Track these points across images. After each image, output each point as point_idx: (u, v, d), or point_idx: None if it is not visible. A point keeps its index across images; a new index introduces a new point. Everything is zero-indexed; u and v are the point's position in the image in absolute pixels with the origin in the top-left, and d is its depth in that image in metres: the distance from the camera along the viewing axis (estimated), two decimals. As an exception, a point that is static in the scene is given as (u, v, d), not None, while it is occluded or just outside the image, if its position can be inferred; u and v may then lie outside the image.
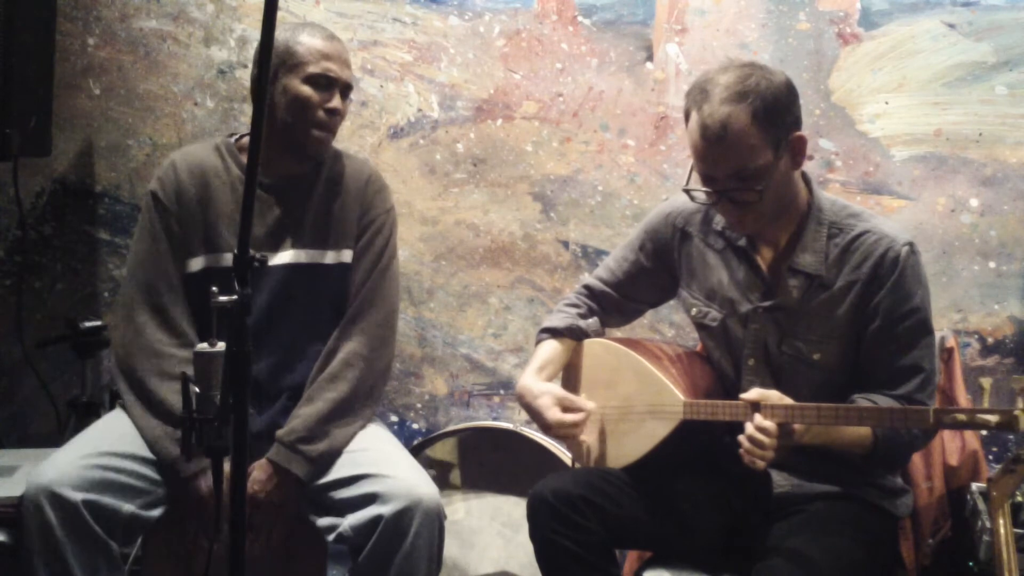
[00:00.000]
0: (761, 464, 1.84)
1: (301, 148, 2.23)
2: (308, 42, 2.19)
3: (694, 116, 1.92)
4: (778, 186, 1.94)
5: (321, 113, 2.20)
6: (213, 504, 2.04)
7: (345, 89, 2.24)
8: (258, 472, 2.13)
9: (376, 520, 2.03)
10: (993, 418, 1.66)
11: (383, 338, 2.28)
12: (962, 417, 1.70)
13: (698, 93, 1.92)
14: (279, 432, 2.17)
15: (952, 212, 2.76)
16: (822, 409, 1.83)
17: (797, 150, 1.95)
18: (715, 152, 1.89)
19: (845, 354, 2.00)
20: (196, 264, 2.24)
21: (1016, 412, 1.65)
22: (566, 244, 2.97)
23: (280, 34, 2.21)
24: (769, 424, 1.83)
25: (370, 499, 2.06)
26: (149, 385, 2.15)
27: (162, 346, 2.18)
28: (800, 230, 2.01)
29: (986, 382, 1.75)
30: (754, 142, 1.88)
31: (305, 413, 2.17)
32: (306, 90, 2.18)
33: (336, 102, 2.22)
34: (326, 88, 2.20)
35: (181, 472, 2.09)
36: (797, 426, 1.85)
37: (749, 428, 1.85)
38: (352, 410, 2.22)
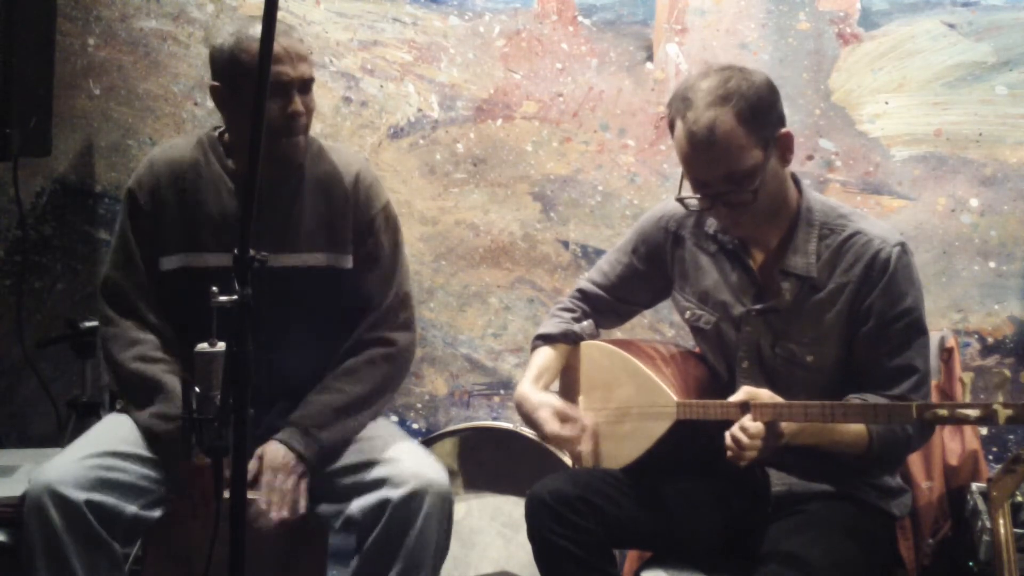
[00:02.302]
0: (742, 463, 1.85)
1: (273, 155, 2.11)
2: (252, 49, 2.02)
3: (679, 125, 1.92)
4: (770, 185, 1.94)
5: (283, 121, 2.09)
6: (213, 483, 2.04)
7: (304, 85, 2.11)
8: (270, 447, 2.10)
9: (384, 503, 2.03)
10: (973, 412, 1.68)
11: (409, 339, 2.28)
12: (943, 412, 1.71)
13: (680, 102, 1.92)
14: (293, 416, 2.15)
15: (952, 212, 2.76)
16: (809, 407, 1.84)
17: (785, 147, 1.95)
18: (705, 157, 1.90)
19: (838, 356, 2.00)
20: (171, 262, 2.20)
21: (995, 406, 1.67)
22: (566, 244, 2.97)
23: (219, 41, 2.12)
24: (751, 425, 1.84)
25: (378, 484, 2.06)
26: (130, 371, 2.15)
27: (136, 333, 2.18)
28: (791, 232, 2.01)
29: (967, 377, 1.77)
30: (742, 143, 1.88)
31: (320, 401, 2.16)
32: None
33: (296, 104, 2.09)
34: (283, 94, 2.07)
35: (181, 449, 2.09)
36: (788, 427, 1.86)
37: (734, 427, 1.86)
38: (370, 406, 2.21)
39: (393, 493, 2.03)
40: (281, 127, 2.10)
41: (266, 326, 2.10)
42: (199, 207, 2.20)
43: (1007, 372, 1.71)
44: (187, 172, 2.21)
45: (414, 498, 2.03)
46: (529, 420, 2.15)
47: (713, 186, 1.92)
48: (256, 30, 2.06)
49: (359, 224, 2.24)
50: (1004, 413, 1.66)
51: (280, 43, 2.04)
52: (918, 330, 1.97)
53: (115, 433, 2.16)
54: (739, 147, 1.88)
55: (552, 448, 2.61)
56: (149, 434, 2.12)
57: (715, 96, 1.88)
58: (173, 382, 2.12)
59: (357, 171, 2.26)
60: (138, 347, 2.17)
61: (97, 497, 1.99)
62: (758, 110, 1.89)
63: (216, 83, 2.14)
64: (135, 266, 2.21)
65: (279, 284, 2.18)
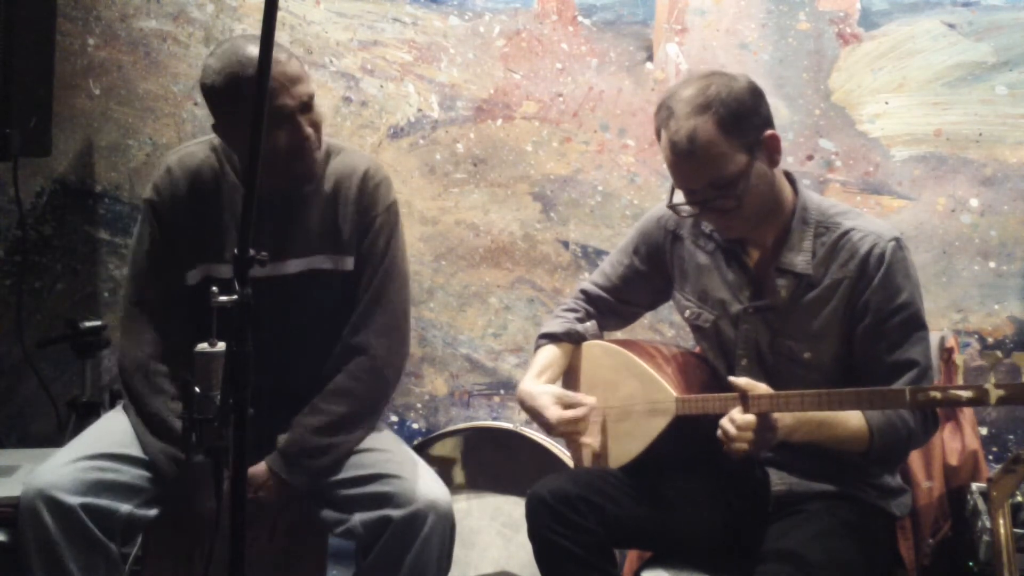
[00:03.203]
0: (736, 455, 1.86)
1: (289, 176, 2.11)
2: (248, 86, 1.94)
3: (663, 134, 1.94)
4: (758, 188, 1.95)
5: (293, 147, 2.05)
6: (212, 512, 2.05)
7: (306, 106, 2.05)
8: (260, 476, 2.12)
9: (386, 521, 2.03)
10: (966, 393, 1.68)
11: (391, 346, 2.22)
12: (936, 394, 1.72)
13: (664, 111, 1.94)
14: (282, 441, 2.14)
15: (952, 212, 2.76)
16: (805, 395, 1.84)
17: (772, 149, 1.96)
18: (687, 166, 1.92)
19: (836, 352, 2.00)
20: (196, 276, 2.17)
21: (987, 386, 1.67)
22: (566, 244, 2.97)
23: (208, 81, 2.03)
24: (739, 417, 1.84)
25: (382, 500, 2.06)
26: (145, 402, 2.13)
27: (155, 362, 2.15)
28: (787, 230, 2.02)
29: (959, 359, 1.77)
30: (724, 150, 1.89)
31: (309, 425, 2.14)
32: (269, 138, 1.93)
33: (303, 129, 2.05)
34: (287, 123, 2.03)
35: (180, 486, 2.08)
36: (783, 421, 1.87)
37: (724, 417, 1.87)
38: (358, 423, 2.18)
39: (396, 512, 2.03)
40: (294, 153, 2.06)
41: (275, 331, 2.08)
42: (217, 217, 2.17)
43: (999, 353, 1.71)
44: (205, 181, 2.17)
45: (416, 518, 2.03)
46: (532, 411, 2.15)
47: (699, 193, 1.95)
48: (243, 56, 2.01)
49: (361, 223, 2.21)
50: (996, 393, 1.66)
51: (280, 69, 1.99)
52: (916, 324, 1.97)
53: (109, 435, 2.15)
54: (720, 155, 1.90)
55: (554, 448, 2.61)
56: (154, 466, 2.10)
57: (694, 105, 1.90)
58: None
59: (365, 170, 2.23)
60: (155, 378, 2.14)
61: (91, 500, 1.99)
62: (739, 116, 1.90)
63: (218, 122, 2.10)
64: (161, 279, 2.18)
65: (288, 289, 2.18)
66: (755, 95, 1.94)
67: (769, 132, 1.95)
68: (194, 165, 2.19)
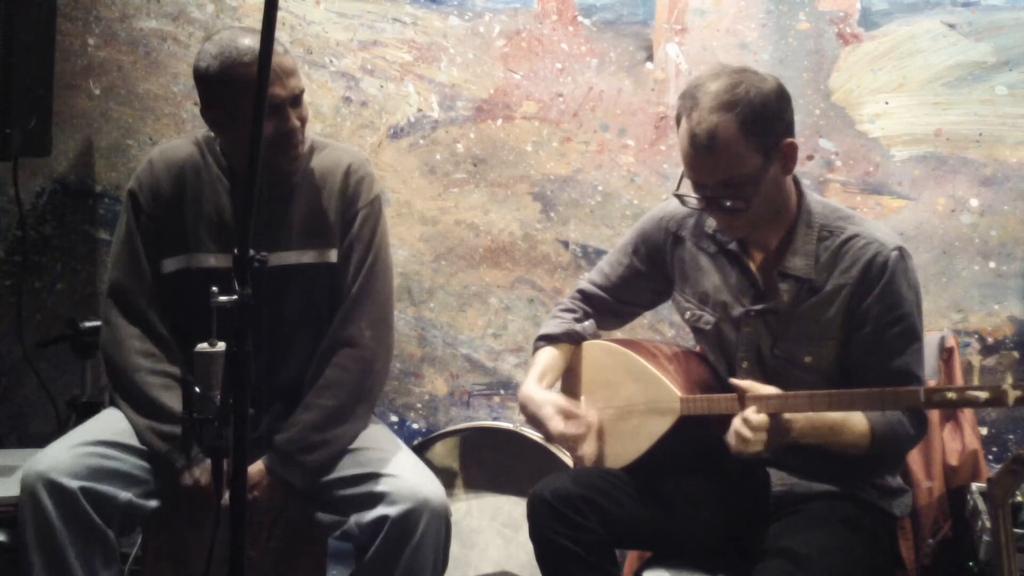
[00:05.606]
0: (746, 456, 1.85)
1: (273, 169, 2.14)
2: (241, 70, 2.02)
3: (684, 123, 1.92)
4: (768, 192, 1.94)
5: (280, 139, 2.09)
6: (206, 494, 2.05)
7: (296, 100, 2.10)
8: (256, 477, 2.12)
9: (382, 520, 2.03)
10: (983, 394, 1.68)
11: (378, 337, 2.23)
12: (952, 395, 1.71)
13: (688, 99, 1.92)
14: (277, 438, 2.14)
15: (952, 212, 2.76)
16: (815, 395, 1.84)
17: (788, 156, 1.95)
18: (704, 161, 1.90)
19: (837, 356, 2.00)
20: (171, 264, 2.20)
21: (1004, 387, 1.66)
22: (566, 244, 2.97)
23: (203, 64, 2.07)
24: (753, 417, 1.84)
25: (376, 499, 2.06)
26: (132, 381, 2.14)
27: (141, 343, 2.17)
28: (790, 234, 2.02)
29: (976, 360, 1.77)
30: (742, 151, 1.88)
31: (302, 421, 2.15)
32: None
33: (291, 120, 2.09)
34: (276, 113, 2.06)
35: (173, 464, 2.09)
36: (796, 424, 1.87)
37: (736, 418, 1.86)
38: (350, 415, 2.19)
39: (391, 510, 2.03)
40: (279, 144, 2.09)
41: (261, 326, 2.13)
42: (198, 207, 2.20)
43: (1015, 353, 1.71)
44: (186, 173, 2.21)
45: (411, 516, 2.03)
46: (533, 419, 2.15)
47: (710, 189, 1.94)
48: (240, 44, 2.05)
49: (345, 217, 2.24)
50: (1014, 394, 1.66)
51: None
52: (912, 336, 1.97)
53: (110, 425, 2.16)
54: (738, 155, 1.89)
55: (554, 448, 2.61)
56: (144, 441, 2.12)
57: (721, 101, 1.88)
58: (174, 401, 2.12)
59: (348, 163, 2.25)
60: (145, 358, 2.16)
61: (91, 485, 2.00)
62: (763, 118, 1.89)
63: (208, 108, 2.12)
64: (142, 269, 2.20)
65: (272, 283, 2.18)
66: (782, 100, 1.93)
67: (788, 140, 1.93)
68: (176, 157, 2.23)
